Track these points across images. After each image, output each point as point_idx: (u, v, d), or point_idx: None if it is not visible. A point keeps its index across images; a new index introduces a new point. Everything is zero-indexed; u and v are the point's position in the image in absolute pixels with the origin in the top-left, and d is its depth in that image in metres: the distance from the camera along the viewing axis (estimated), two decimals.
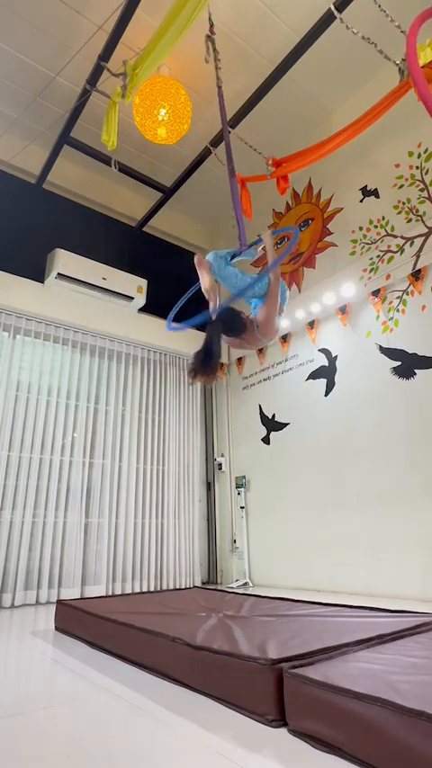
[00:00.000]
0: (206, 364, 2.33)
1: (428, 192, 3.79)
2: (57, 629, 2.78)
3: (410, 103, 3.09)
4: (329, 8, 3.16)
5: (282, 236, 4.14)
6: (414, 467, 3.54)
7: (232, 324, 2.54)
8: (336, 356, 4.32)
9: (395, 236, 3.97)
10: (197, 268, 2.88)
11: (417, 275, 3.73)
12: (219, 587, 4.65)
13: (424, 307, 3.68)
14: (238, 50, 3.97)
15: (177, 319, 2.77)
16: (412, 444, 3.58)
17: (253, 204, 3.84)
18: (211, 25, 3.14)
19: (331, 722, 1.20)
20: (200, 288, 2.90)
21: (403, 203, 3.97)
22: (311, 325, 4.58)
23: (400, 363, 3.77)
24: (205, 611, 2.43)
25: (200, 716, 1.45)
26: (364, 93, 4.28)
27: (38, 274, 4.51)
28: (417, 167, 3.91)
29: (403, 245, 3.88)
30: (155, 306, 5.15)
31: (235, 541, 5.09)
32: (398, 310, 3.86)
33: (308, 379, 4.56)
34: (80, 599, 3.13)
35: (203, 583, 5.11)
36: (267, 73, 3.97)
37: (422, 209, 3.81)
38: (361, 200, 4.36)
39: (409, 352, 3.71)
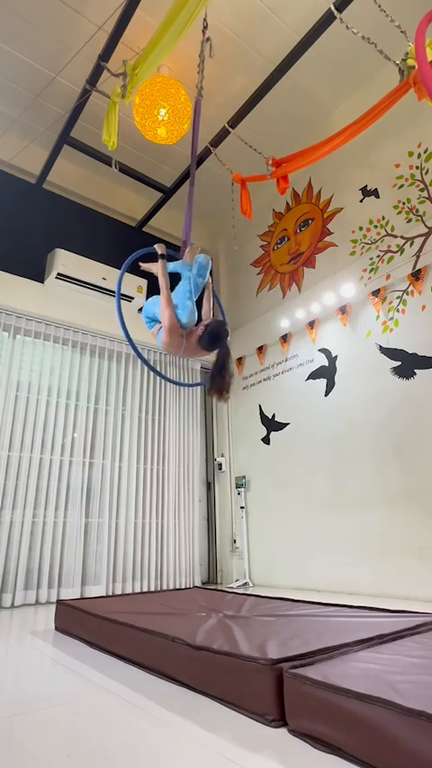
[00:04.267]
0: (225, 379, 2.59)
1: (428, 191, 3.79)
2: (57, 629, 2.78)
3: (410, 103, 3.10)
4: (329, 8, 3.16)
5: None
6: (414, 467, 3.54)
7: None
8: (336, 356, 4.32)
9: (395, 236, 3.97)
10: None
11: (417, 275, 3.73)
12: (219, 587, 4.65)
13: (424, 307, 3.68)
14: (238, 50, 3.97)
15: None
16: (412, 444, 3.58)
17: (253, 204, 3.84)
18: (205, 27, 3.10)
19: (331, 722, 1.20)
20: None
21: (403, 203, 3.97)
22: (311, 325, 4.58)
23: (400, 363, 3.77)
24: (205, 611, 2.43)
25: (200, 716, 1.45)
26: (364, 93, 4.29)
27: (38, 274, 4.51)
28: (417, 167, 3.91)
29: (403, 245, 3.88)
30: None
31: (235, 541, 5.09)
32: (398, 310, 3.86)
33: (308, 379, 4.56)
34: (80, 599, 3.13)
35: (203, 583, 5.11)
36: (267, 73, 3.98)
37: (422, 209, 3.81)
38: (361, 201, 4.36)
39: (409, 352, 3.71)
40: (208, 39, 3.09)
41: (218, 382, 2.58)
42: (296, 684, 1.31)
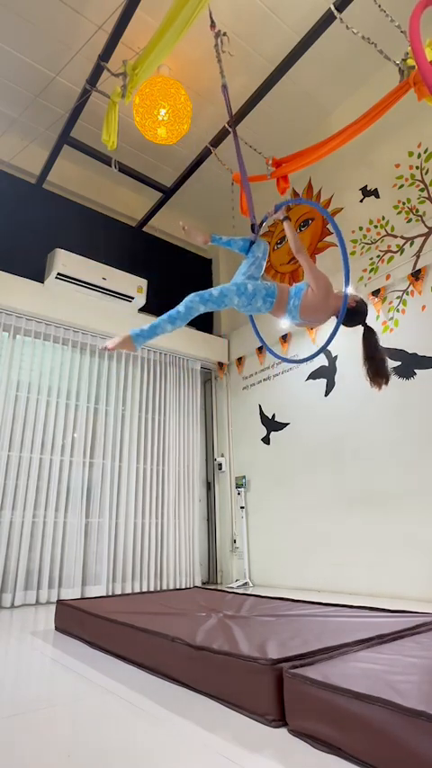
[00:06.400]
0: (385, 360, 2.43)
1: (428, 191, 3.79)
2: (57, 629, 2.78)
3: (410, 103, 3.09)
4: (329, 8, 3.16)
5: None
6: (413, 467, 3.54)
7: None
8: (336, 356, 4.32)
9: (395, 236, 3.97)
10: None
11: (417, 275, 3.73)
12: (219, 587, 4.65)
13: (424, 307, 3.68)
14: (237, 50, 3.96)
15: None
16: (412, 444, 3.58)
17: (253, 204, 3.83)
18: (212, 23, 3.10)
19: (331, 722, 1.20)
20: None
21: (403, 203, 3.97)
22: None
23: (400, 363, 3.77)
24: (205, 611, 2.43)
25: (200, 716, 1.45)
26: (364, 94, 4.28)
27: (38, 274, 4.51)
28: (417, 167, 3.91)
29: (403, 245, 3.88)
30: (155, 306, 5.15)
31: (235, 541, 5.09)
32: (398, 310, 3.86)
33: (308, 379, 4.56)
34: (80, 599, 3.13)
35: (203, 583, 5.11)
36: (267, 73, 3.97)
37: (422, 209, 3.81)
38: (361, 200, 4.36)
39: (409, 352, 3.71)
40: (224, 33, 3.11)
41: (377, 366, 2.44)
42: (296, 684, 1.31)
